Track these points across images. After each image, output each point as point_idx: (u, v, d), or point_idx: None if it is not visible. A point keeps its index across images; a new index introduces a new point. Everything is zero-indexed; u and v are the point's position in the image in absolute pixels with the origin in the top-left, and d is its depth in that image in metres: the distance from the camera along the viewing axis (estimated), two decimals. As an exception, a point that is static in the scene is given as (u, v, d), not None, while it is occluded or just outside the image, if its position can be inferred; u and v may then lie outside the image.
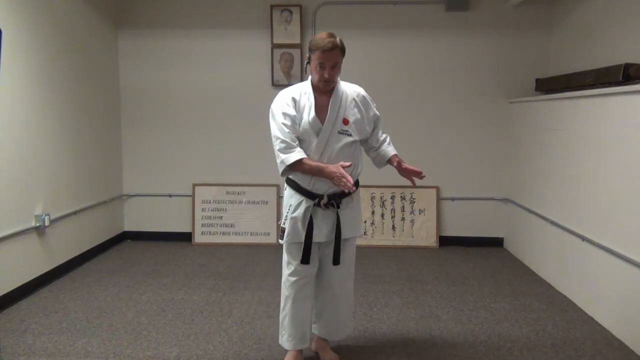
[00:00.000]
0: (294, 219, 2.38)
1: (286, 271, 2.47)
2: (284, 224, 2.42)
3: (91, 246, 4.36)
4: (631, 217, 2.79)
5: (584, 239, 3.27)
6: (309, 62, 2.33)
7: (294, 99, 2.33)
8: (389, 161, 2.57)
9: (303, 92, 2.36)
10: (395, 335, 2.90)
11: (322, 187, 2.35)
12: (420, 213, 4.77)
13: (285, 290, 2.48)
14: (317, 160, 2.30)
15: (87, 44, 4.27)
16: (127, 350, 2.69)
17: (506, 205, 4.75)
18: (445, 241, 4.79)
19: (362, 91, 2.46)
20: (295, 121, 2.30)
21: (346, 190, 2.21)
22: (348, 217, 2.44)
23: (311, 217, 2.35)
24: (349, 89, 2.42)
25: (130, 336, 2.86)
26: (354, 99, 2.39)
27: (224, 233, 4.88)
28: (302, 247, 2.35)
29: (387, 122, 4.70)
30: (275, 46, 4.66)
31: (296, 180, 2.39)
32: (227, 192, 4.88)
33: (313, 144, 2.31)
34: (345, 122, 2.34)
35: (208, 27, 4.74)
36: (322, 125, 2.30)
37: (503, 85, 4.65)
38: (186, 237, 4.90)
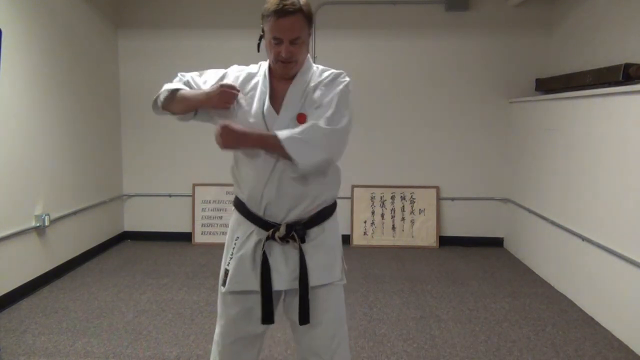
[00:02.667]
0: (240, 257, 1.67)
1: (217, 328, 1.74)
2: (228, 264, 1.70)
3: (91, 246, 4.36)
4: (631, 217, 2.80)
5: (584, 239, 3.27)
6: (263, 36, 1.61)
7: (249, 74, 1.67)
8: None
9: (261, 73, 1.67)
10: (395, 335, 2.90)
11: (279, 213, 1.63)
12: (420, 213, 4.77)
13: (214, 354, 1.75)
14: (265, 179, 1.60)
15: (87, 44, 4.27)
16: (127, 350, 2.69)
17: (506, 205, 4.75)
18: (445, 241, 4.79)
19: (340, 76, 1.65)
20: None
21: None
22: (318, 254, 1.66)
23: (265, 256, 1.63)
24: (319, 73, 1.66)
25: (130, 336, 2.86)
26: (320, 82, 1.62)
27: (224, 233, 4.80)
28: (260, 300, 1.63)
29: (387, 122, 4.78)
30: (275, 46, 4.65)
31: (244, 201, 1.70)
32: (227, 192, 4.87)
33: (260, 156, 1.59)
34: (301, 118, 1.58)
35: (208, 27, 4.74)
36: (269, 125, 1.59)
37: (503, 85, 4.65)
38: (186, 237, 4.90)
